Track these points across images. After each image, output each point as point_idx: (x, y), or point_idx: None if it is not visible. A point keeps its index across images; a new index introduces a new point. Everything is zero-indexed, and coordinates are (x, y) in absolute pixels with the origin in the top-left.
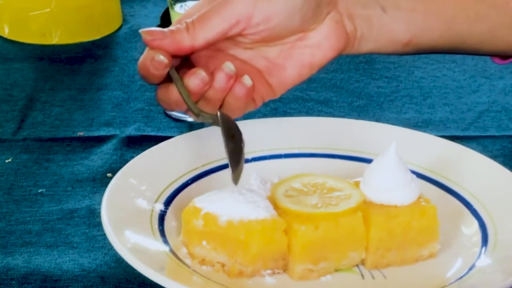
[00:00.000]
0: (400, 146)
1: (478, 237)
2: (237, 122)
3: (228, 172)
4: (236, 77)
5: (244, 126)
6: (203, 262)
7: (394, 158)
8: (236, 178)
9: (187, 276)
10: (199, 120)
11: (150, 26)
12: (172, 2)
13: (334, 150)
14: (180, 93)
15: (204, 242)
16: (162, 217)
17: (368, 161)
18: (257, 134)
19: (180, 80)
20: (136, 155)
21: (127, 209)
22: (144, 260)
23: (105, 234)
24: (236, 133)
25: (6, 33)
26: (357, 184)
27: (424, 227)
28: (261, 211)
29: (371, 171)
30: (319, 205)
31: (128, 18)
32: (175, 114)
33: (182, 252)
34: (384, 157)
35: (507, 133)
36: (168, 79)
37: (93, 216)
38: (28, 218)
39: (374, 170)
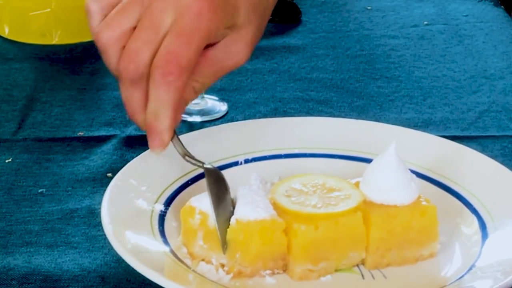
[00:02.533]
0: (400, 146)
1: (478, 237)
2: (237, 122)
3: (228, 172)
4: None
5: (244, 126)
6: (203, 262)
7: (394, 158)
8: (223, 247)
9: (186, 276)
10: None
11: None
12: None
13: (334, 150)
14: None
15: (200, 242)
16: (162, 217)
17: (368, 161)
18: (257, 134)
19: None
20: (136, 155)
21: (127, 209)
22: (144, 260)
23: (105, 234)
24: (223, 185)
25: (6, 33)
26: (357, 184)
27: (424, 227)
28: (260, 211)
29: (371, 171)
30: (319, 205)
31: None
32: None
33: (182, 252)
34: (384, 156)
35: (507, 133)
36: None
37: (93, 216)
38: (28, 218)
39: (374, 170)
